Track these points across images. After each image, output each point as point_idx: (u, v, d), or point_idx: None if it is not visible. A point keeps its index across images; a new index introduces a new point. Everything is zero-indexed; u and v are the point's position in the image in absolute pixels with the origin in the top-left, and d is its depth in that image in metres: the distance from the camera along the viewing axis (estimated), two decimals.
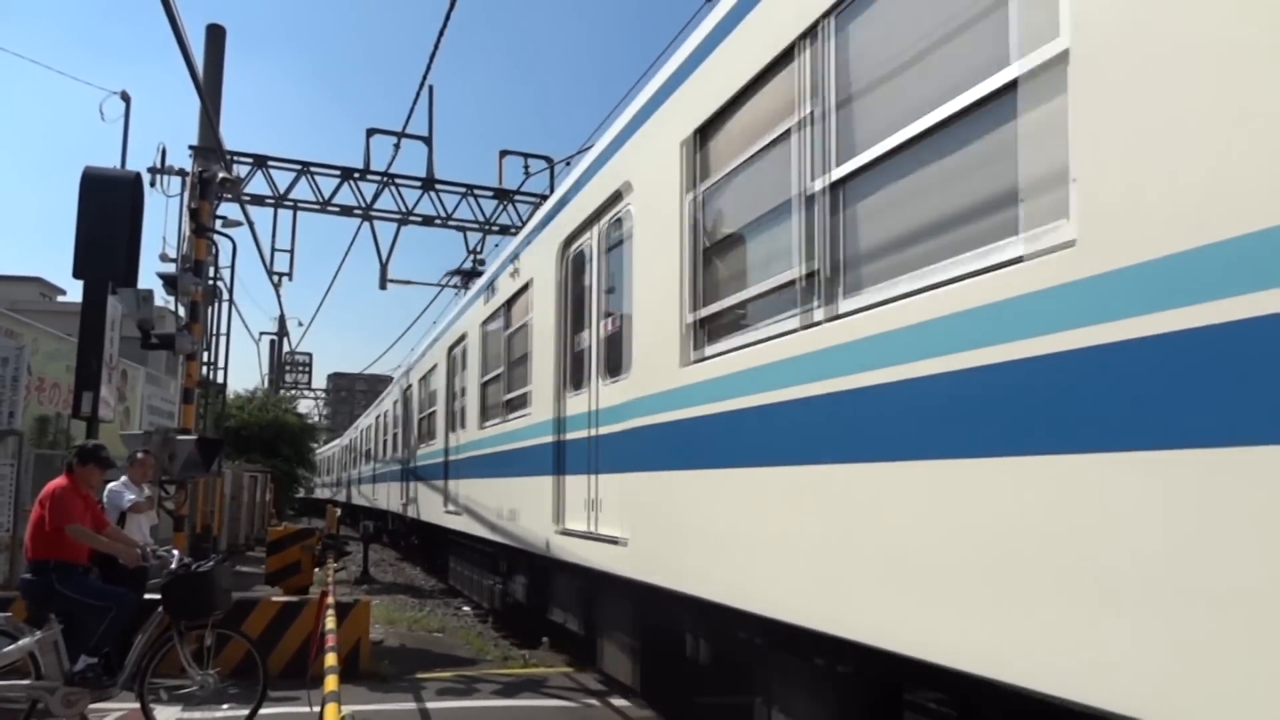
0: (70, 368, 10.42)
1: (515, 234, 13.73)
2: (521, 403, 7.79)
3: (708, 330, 4.30)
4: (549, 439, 6.69)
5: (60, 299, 32.79)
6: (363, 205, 15.93)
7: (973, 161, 2.70)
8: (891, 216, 3.08)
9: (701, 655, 4.97)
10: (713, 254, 4.32)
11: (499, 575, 9.99)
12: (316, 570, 12.31)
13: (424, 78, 10.74)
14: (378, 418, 23.20)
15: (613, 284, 5.87)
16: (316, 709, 5.13)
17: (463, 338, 11.06)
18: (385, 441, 20.92)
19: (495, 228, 16.73)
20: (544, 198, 15.62)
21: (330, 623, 5.90)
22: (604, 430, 5.69)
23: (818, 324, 3.29)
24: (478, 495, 9.63)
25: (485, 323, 9.72)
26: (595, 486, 5.82)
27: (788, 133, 3.60)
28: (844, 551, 3.06)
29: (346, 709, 3.46)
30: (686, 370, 4.34)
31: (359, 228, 16.36)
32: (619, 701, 7.20)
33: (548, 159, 16.75)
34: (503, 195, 16.67)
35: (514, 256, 8.46)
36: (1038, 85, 2.42)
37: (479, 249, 17.16)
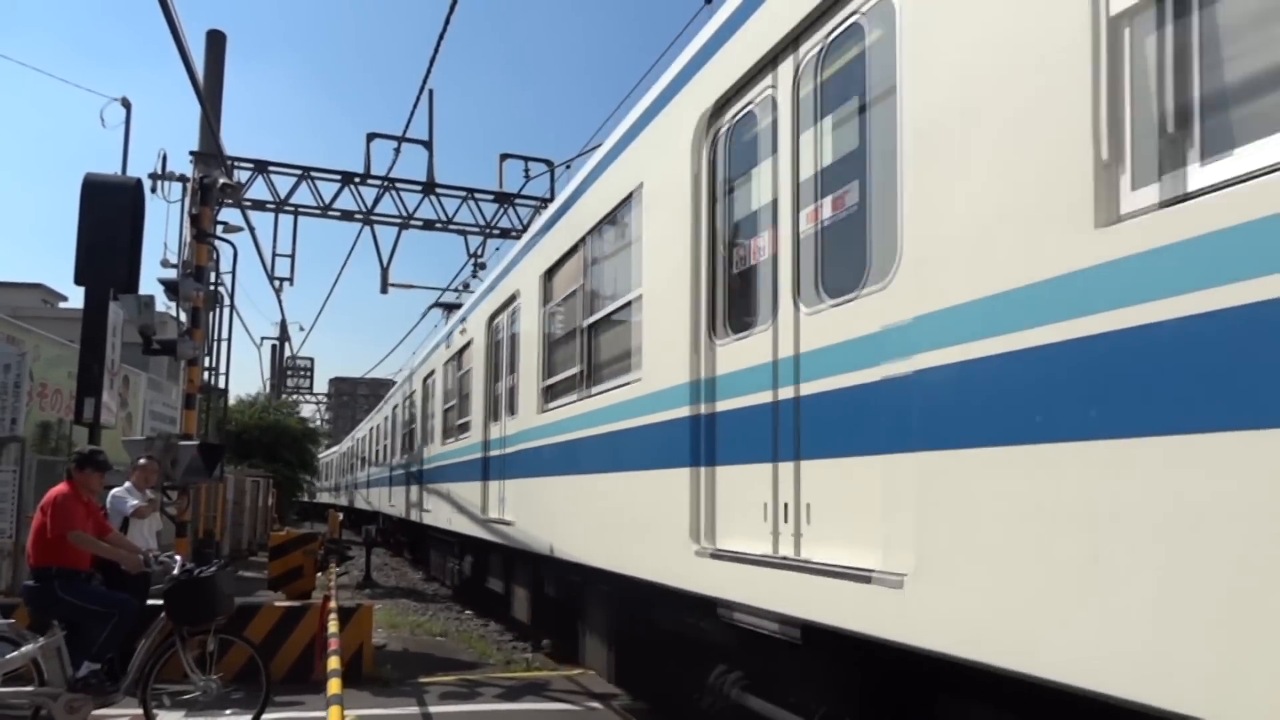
0: (72, 374, 10.42)
1: (517, 238, 13.86)
2: (623, 370, 5.69)
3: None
4: (684, 411, 4.59)
5: (62, 305, 32.82)
6: (363, 210, 15.95)
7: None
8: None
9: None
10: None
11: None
12: (319, 575, 12.29)
13: (424, 82, 10.76)
14: (382, 420, 23.17)
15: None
16: (319, 713, 5.13)
17: (513, 299, 8.85)
18: (390, 444, 20.79)
19: (496, 231, 16.74)
20: (545, 201, 15.66)
21: (333, 627, 5.90)
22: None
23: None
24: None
25: (552, 271, 7.48)
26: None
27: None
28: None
29: (350, 713, 3.46)
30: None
31: (360, 232, 16.40)
32: (621, 703, 7.19)
33: (548, 162, 16.78)
34: (503, 199, 16.67)
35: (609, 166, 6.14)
36: None
37: (480, 252, 17.18)
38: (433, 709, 7.11)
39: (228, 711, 6.55)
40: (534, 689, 7.90)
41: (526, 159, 16.69)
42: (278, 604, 8.52)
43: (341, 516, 20.82)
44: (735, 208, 4.37)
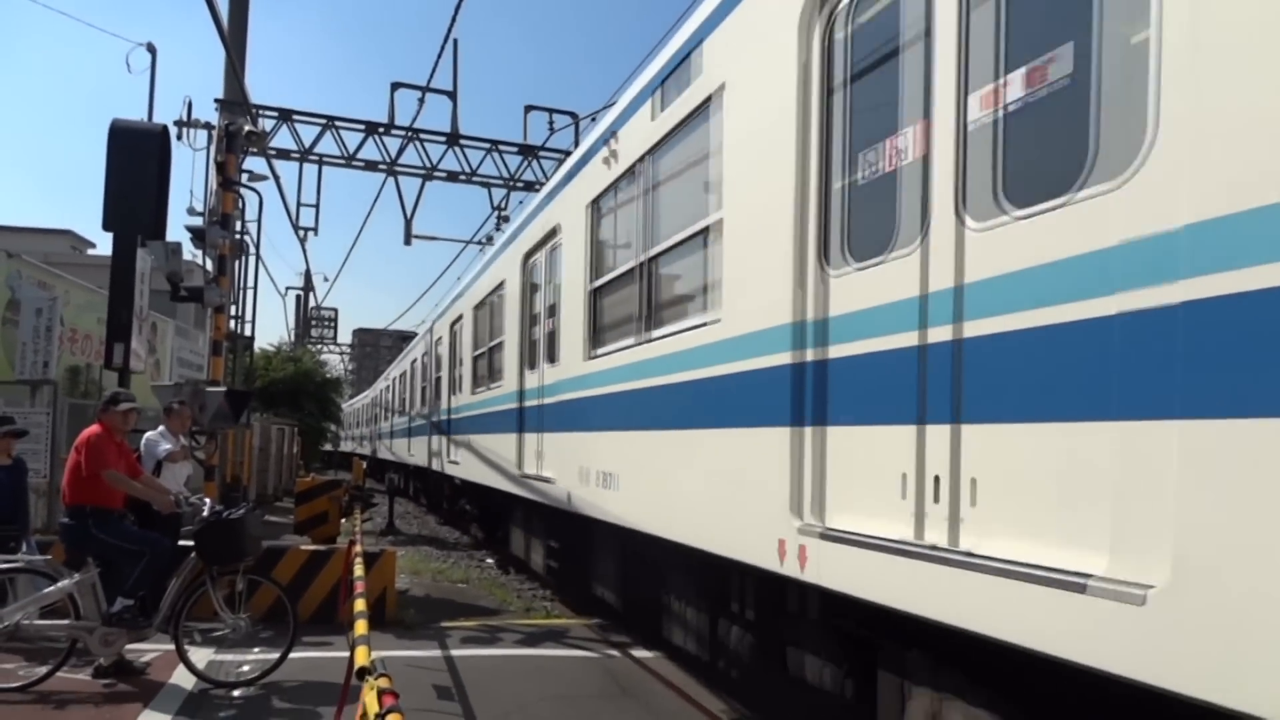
0: (101, 320, 10.56)
1: (539, 190, 13.67)
2: (695, 311, 4.96)
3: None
4: (781, 358, 3.86)
5: (90, 252, 33.18)
6: (387, 160, 15.89)
7: None
8: None
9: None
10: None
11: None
12: (343, 521, 12.52)
13: (448, 31, 10.67)
14: (407, 368, 22.41)
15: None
16: (344, 653, 5.27)
17: (552, 234, 7.99)
18: (414, 394, 19.99)
19: (520, 184, 16.65)
20: (568, 154, 15.52)
21: (358, 570, 6.02)
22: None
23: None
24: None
25: (602, 199, 6.60)
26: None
27: None
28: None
29: (375, 654, 3.54)
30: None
31: (383, 183, 16.36)
32: (640, 653, 7.31)
33: (573, 114, 16.59)
34: (527, 151, 16.54)
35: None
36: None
37: (503, 205, 17.12)
38: (455, 652, 7.27)
39: (256, 649, 6.73)
40: (553, 636, 8.05)
41: (551, 110, 16.54)
42: (304, 548, 8.70)
43: (365, 465, 21.12)
44: (862, 101, 3.50)
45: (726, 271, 4.41)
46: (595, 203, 6.71)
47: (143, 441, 7.34)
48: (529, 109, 16.71)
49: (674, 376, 4.99)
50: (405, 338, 41.70)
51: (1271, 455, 1.87)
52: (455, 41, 15.23)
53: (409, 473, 23.87)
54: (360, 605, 4.47)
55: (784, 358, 3.74)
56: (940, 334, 2.93)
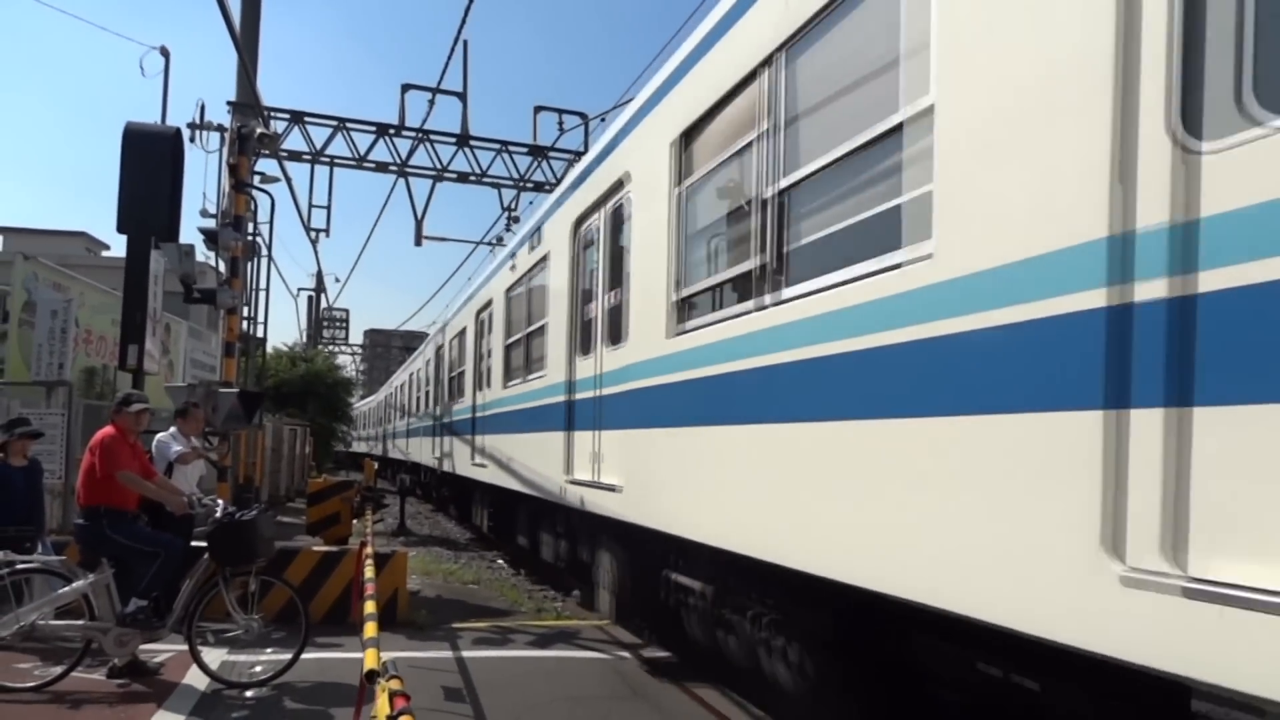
0: (115, 321, 10.64)
1: (550, 191, 13.49)
2: (875, 249, 3.54)
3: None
4: (1075, 300, 2.61)
5: (105, 254, 33.43)
6: (398, 161, 15.94)
7: None
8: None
9: None
10: None
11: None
12: (355, 521, 12.57)
13: (458, 33, 10.67)
14: (422, 365, 21.44)
15: None
16: (356, 654, 5.29)
17: (618, 187, 6.65)
18: (430, 391, 19.00)
19: (529, 184, 16.68)
20: (579, 154, 15.52)
21: (369, 572, 6.03)
22: None
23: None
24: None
25: (698, 129, 5.23)
26: None
27: None
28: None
29: (386, 655, 3.55)
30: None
31: (394, 184, 16.41)
32: (651, 654, 7.30)
33: (582, 115, 16.60)
34: (537, 152, 16.56)
35: None
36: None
37: (513, 205, 17.14)
38: (466, 653, 7.28)
39: (268, 650, 6.76)
40: (564, 637, 8.05)
41: (560, 111, 16.54)
42: (316, 549, 8.73)
43: (376, 465, 21.21)
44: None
45: (943, 187, 3.04)
46: (689, 134, 5.28)
47: (154, 443, 7.39)
48: (539, 110, 16.75)
49: (835, 346, 3.61)
50: (416, 338, 41.87)
51: None
52: (465, 43, 15.26)
53: (426, 476, 23.68)
54: (370, 607, 4.48)
55: (1077, 300, 2.49)
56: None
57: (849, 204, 3.74)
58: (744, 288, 4.59)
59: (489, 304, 12.04)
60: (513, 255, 10.67)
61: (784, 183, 4.21)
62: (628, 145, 6.42)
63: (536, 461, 8.66)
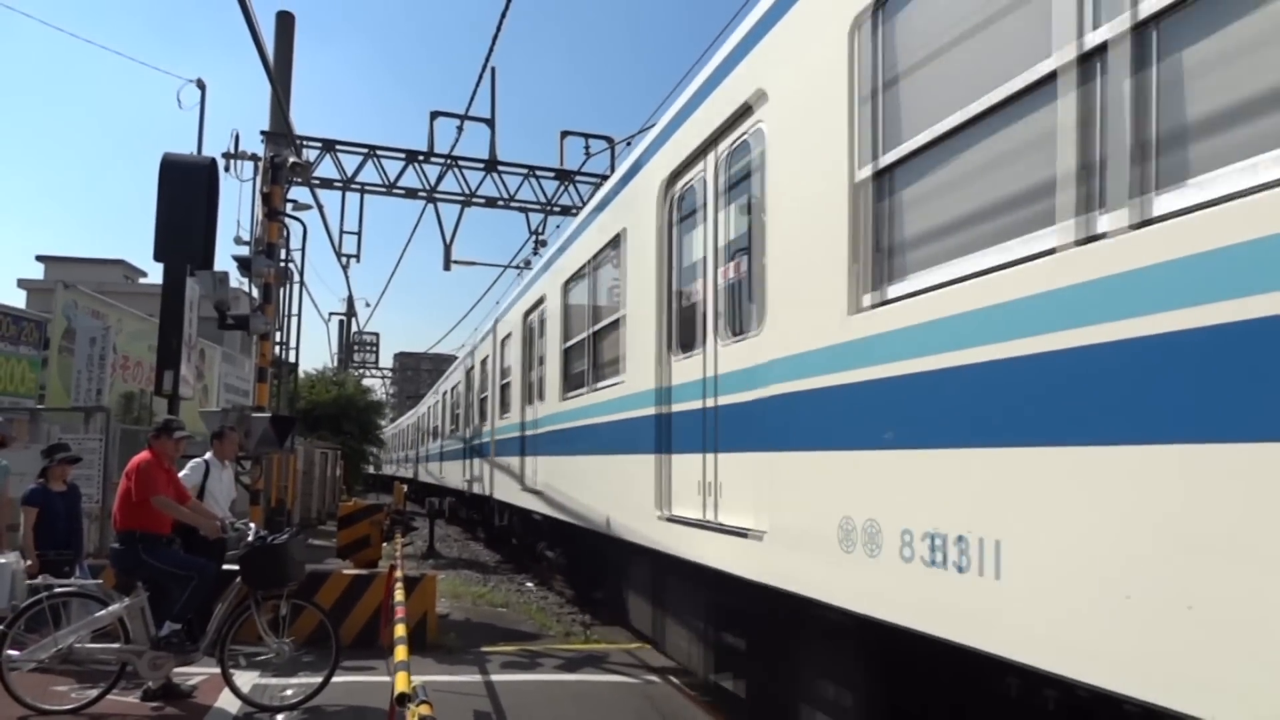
0: (152, 347, 10.86)
1: (576, 214, 13.45)
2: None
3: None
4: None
5: (142, 281, 34.13)
6: (427, 187, 16.16)
7: None
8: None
9: None
10: None
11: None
12: (385, 545, 12.63)
13: (486, 60, 10.81)
14: (455, 383, 19.86)
15: None
16: (386, 678, 5.31)
17: (742, 116, 4.80)
18: (465, 412, 17.41)
19: (557, 209, 16.82)
20: (604, 178, 15.63)
21: (399, 595, 6.06)
22: None
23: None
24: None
25: None
26: None
27: None
28: None
29: (416, 679, 3.55)
30: None
31: (423, 209, 16.63)
32: (680, 679, 7.24)
33: (608, 139, 16.75)
34: (564, 176, 16.72)
35: None
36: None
37: (541, 229, 17.29)
38: (495, 677, 7.27)
39: (300, 673, 6.79)
40: (593, 661, 8.01)
41: (587, 136, 16.72)
42: (346, 572, 8.78)
43: (406, 488, 21.27)
44: None
45: None
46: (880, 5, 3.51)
47: (186, 467, 7.49)
48: (565, 134, 16.92)
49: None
50: (445, 361, 42.19)
51: None
52: (493, 70, 15.50)
53: (455, 501, 23.31)
54: (400, 631, 4.50)
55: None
56: None
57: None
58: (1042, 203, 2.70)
59: (540, 303, 10.14)
60: (569, 242, 9.06)
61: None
62: (761, 52, 4.51)
63: (618, 489, 6.80)
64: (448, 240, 16.94)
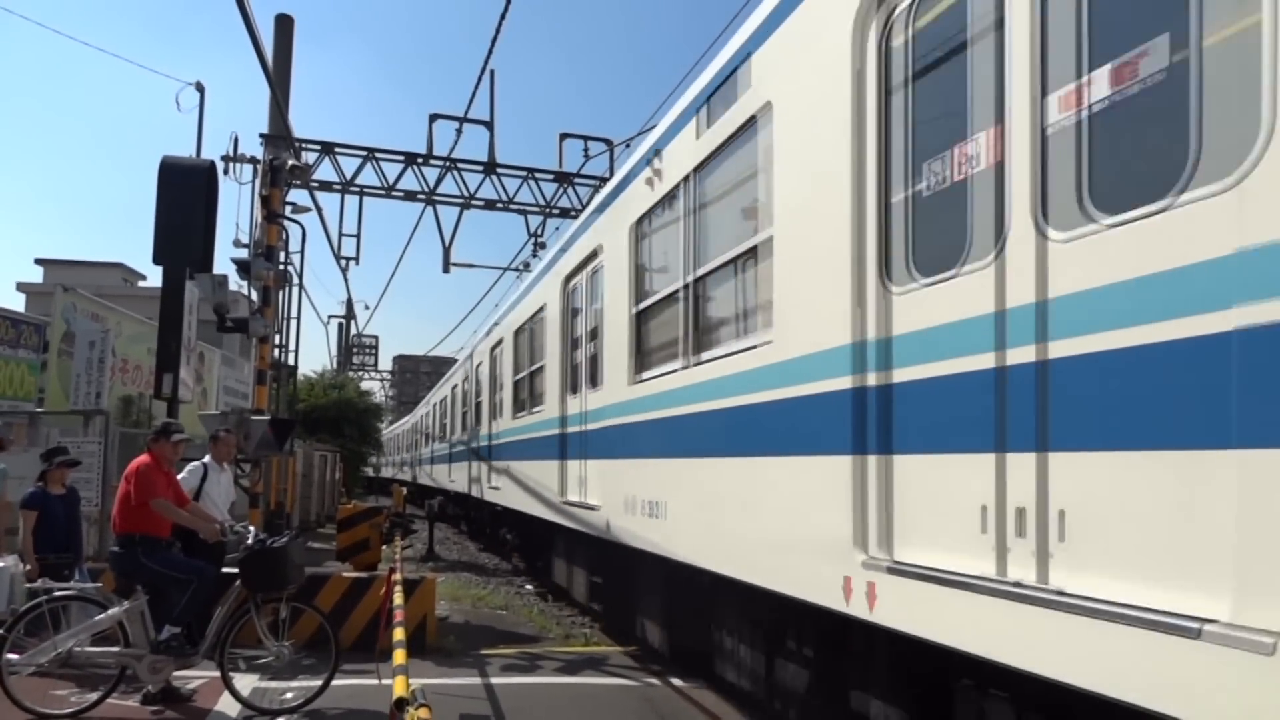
0: (151, 350, 10.87)
1: (575, 217, 13.45)
2: None
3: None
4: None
5: (141, 284, 34.14)
6: (426, 190, 16.16)
7: None
8: None
9: None
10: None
11: None
12: (384, 548, 12.63)
13: (485, 63, 10.80)
14: (459, 381, 19.55)
15: None
16: (386, 681, 5.30)
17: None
18: (473, 412, 16.93)
19: (555, 211, 16.82)
20: (604, 180, 15.63)
21: (398, 598, 6.06)
22: None
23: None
24: None
25: None
26: None
27: None
28: None
29: (415, 682, 3.56)
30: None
31: (422, 212, 16.63)
32: (679, 681, 7.24)
33: (607, 141, 16.74)
34: (563, 178, 16.72)
35: None
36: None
37: (540, 232, 17.30)
38: (494, 680, 7.27)
39: (299, 677, 6.79)
40: (593, 663, 8.01)
41: (586, 138, 16.71)
42: (345, 575, 8.78)
43: (405, 491, 21.29)
44: None
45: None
46: None
47: (184, 471, 7.48)
48: (564, 137, 16.92)
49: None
50: (444, 364, 42.16)
51: None
52: (492, 72, 15.52)
53: (455, 506, 22.77)
54: (399, 634, 4.50)
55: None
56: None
57: None
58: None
59: (572, 278, 8.80)
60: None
61: None
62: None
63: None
64: (447, 243, 16.93)
